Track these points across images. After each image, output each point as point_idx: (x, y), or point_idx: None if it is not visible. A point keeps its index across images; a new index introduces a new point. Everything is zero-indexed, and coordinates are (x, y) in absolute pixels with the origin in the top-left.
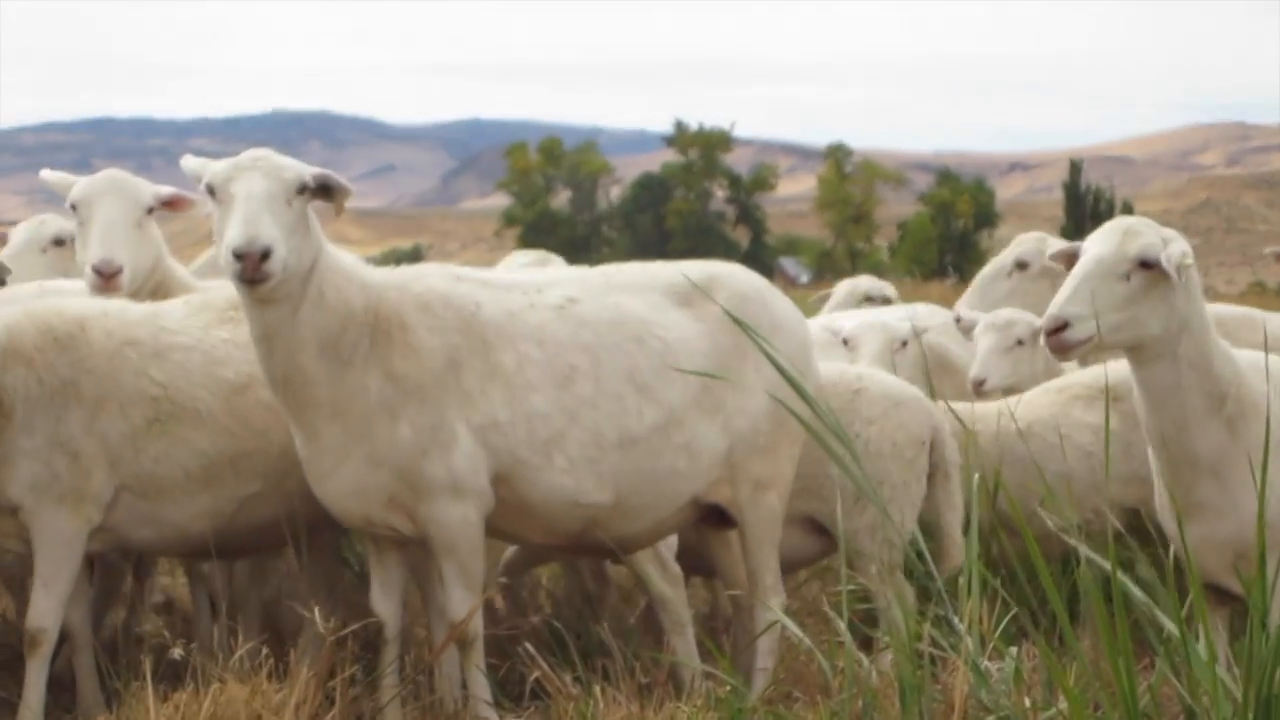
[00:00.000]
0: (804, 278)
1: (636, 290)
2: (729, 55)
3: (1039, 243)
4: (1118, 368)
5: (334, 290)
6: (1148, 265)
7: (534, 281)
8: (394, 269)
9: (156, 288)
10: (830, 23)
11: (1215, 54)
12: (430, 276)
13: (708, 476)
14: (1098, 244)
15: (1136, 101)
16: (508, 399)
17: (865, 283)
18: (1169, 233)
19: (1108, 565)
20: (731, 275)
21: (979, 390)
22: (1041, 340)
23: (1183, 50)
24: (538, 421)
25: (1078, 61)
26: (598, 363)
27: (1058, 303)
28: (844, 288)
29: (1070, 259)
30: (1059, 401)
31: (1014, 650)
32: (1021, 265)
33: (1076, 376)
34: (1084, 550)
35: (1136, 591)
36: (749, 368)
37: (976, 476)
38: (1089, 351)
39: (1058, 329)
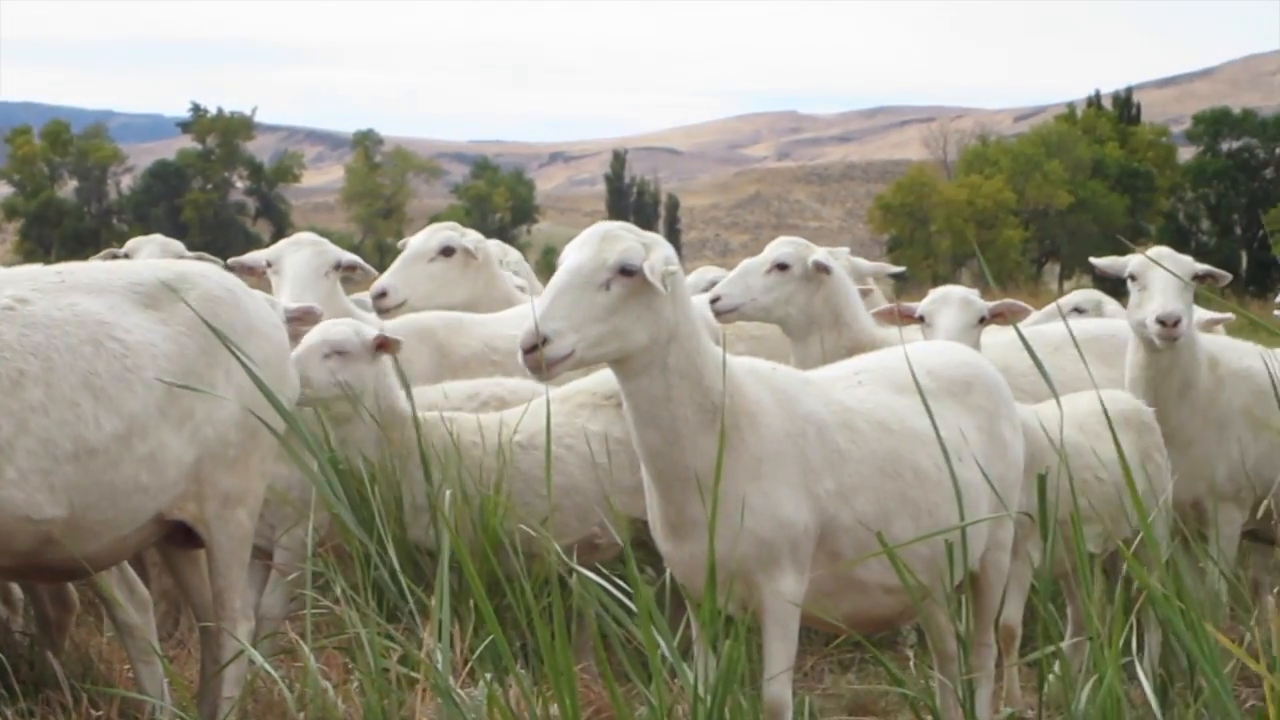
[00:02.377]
0: None
1: (95, 291)
2: (252, 35)
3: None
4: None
5: None
6: (628, 273)
7: None
8: None
9: None
10: (359, 6)
11: (767, 42)
12: None
13: (173, 491)
14: (575, 252)
15: (684, 91)
16: None
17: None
18: (651, 237)
19: (601, 584)
20: (203, 275)
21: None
22: (519, 359)
23: (733, 38)
24: None
25: (622, 48)
26: (49, 367)
27: (537, 317)
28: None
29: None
30: (563, 411)
31: (488, 676)
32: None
33: (583, 383)
34: (578, 570)
35: (613, 612)
36: (219, 374)
37: (450, 493)
38: (572, 368)
39: (534, 347)
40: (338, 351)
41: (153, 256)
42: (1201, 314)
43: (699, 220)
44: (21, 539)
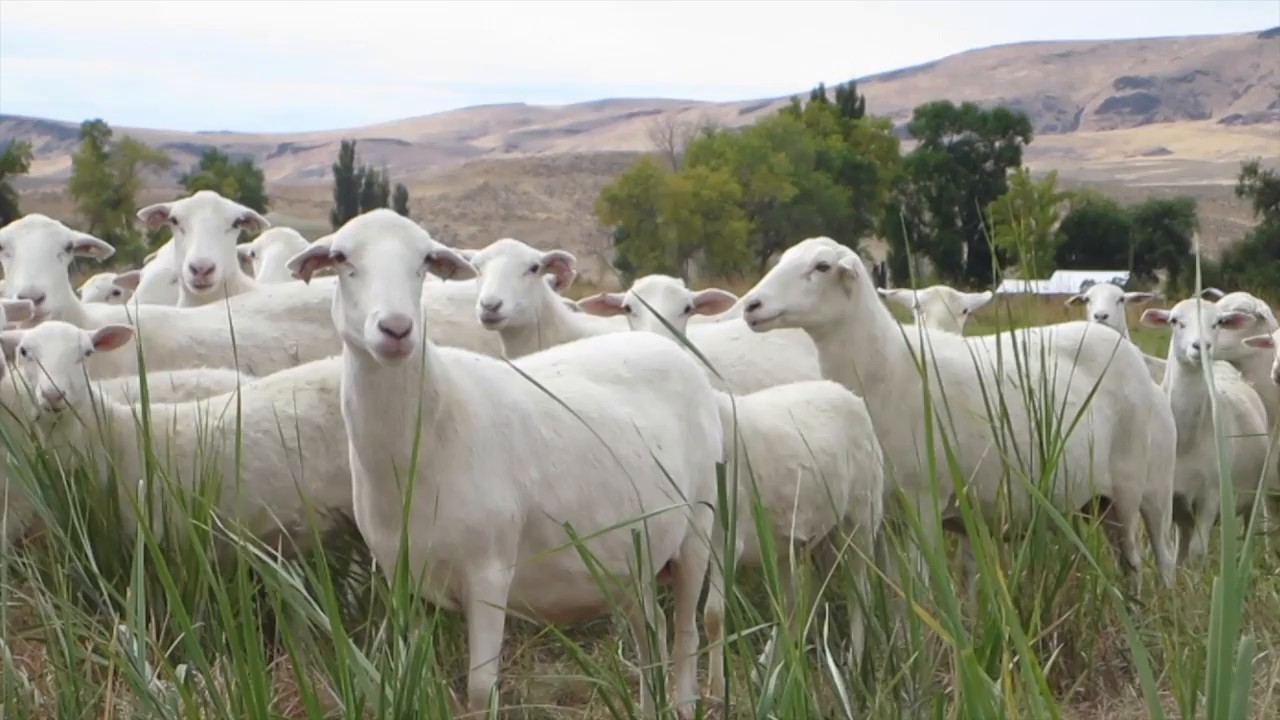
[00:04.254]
0: None
1: None
2: None
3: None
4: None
5: None
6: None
7: None
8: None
9: None
10: None
11: (494, 34)
12: None
13: None
14: None
15: (412, 82)
16: None
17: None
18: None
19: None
20: None
21: None
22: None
23: (460, 30)
24: None
25: (351, 39)
26: None
27: None
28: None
29: None
30: (263, 396)
31: (183, 667)
32: None
33: (287, 372)
34: (255, 553)
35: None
36: None
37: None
38: None
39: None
40: (86, 354)
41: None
42: (967, 299)
43: (428, 211)
44: None
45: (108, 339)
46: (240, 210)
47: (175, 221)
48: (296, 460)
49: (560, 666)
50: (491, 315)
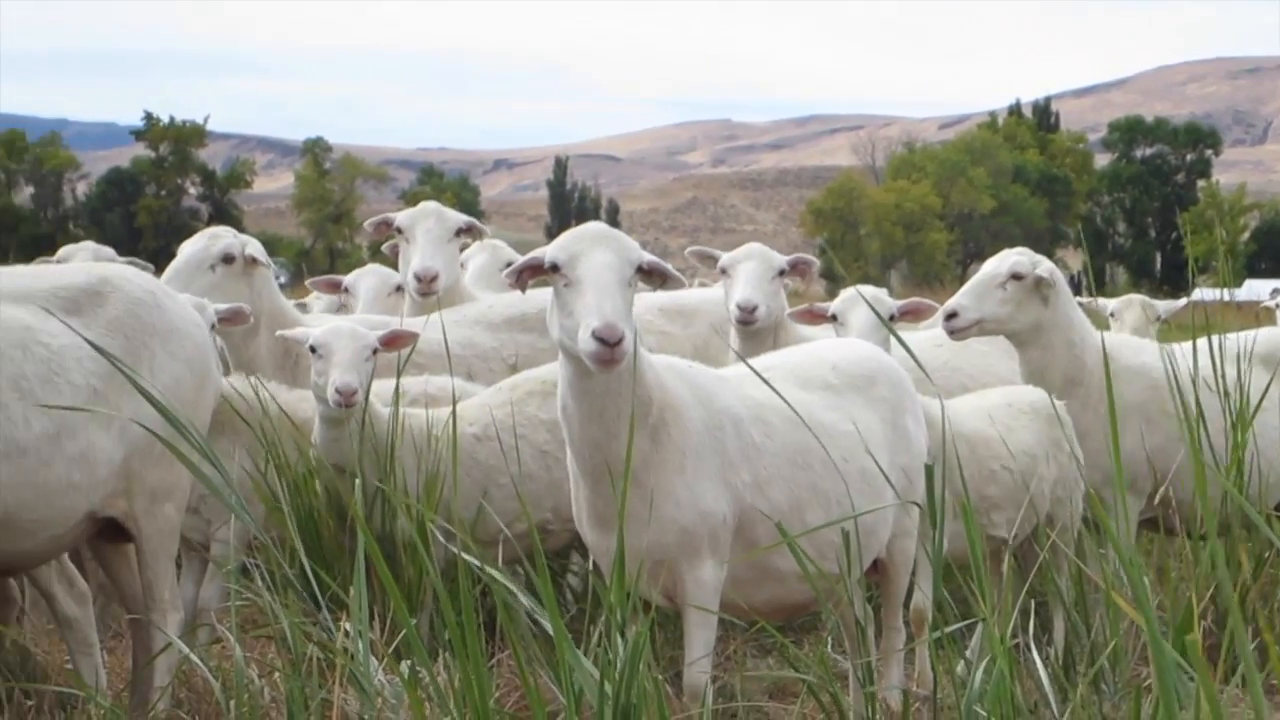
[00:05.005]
0: (282, 278)
1: (20, 298)
2: (203, 47)
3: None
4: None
5: None
6: None
7: None
8: None
9: None
10: (307, 16)
11: (702, 51)
12: None
13: (103, 488)
14: None
15: (621, 100)
16: None
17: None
18: None
19: (491, 572)
20: (124, 279)
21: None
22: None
23: (668, 47)
24: None
25: (560, 58)
26: None
27: None
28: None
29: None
30: (513, 400)
31: (407, 663)
32: (228, 259)
33: (531, 373)
34: (467, 559)
35: (517, 598)
36: (143, 373)
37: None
38: None
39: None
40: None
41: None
42: (1162, 307)
43: (639, 224)
44: None
45: (392, 340)
46: (462, 219)
47: (400, 231)
48: (549, 463)
49: (771, 662)
50: (747, 318)
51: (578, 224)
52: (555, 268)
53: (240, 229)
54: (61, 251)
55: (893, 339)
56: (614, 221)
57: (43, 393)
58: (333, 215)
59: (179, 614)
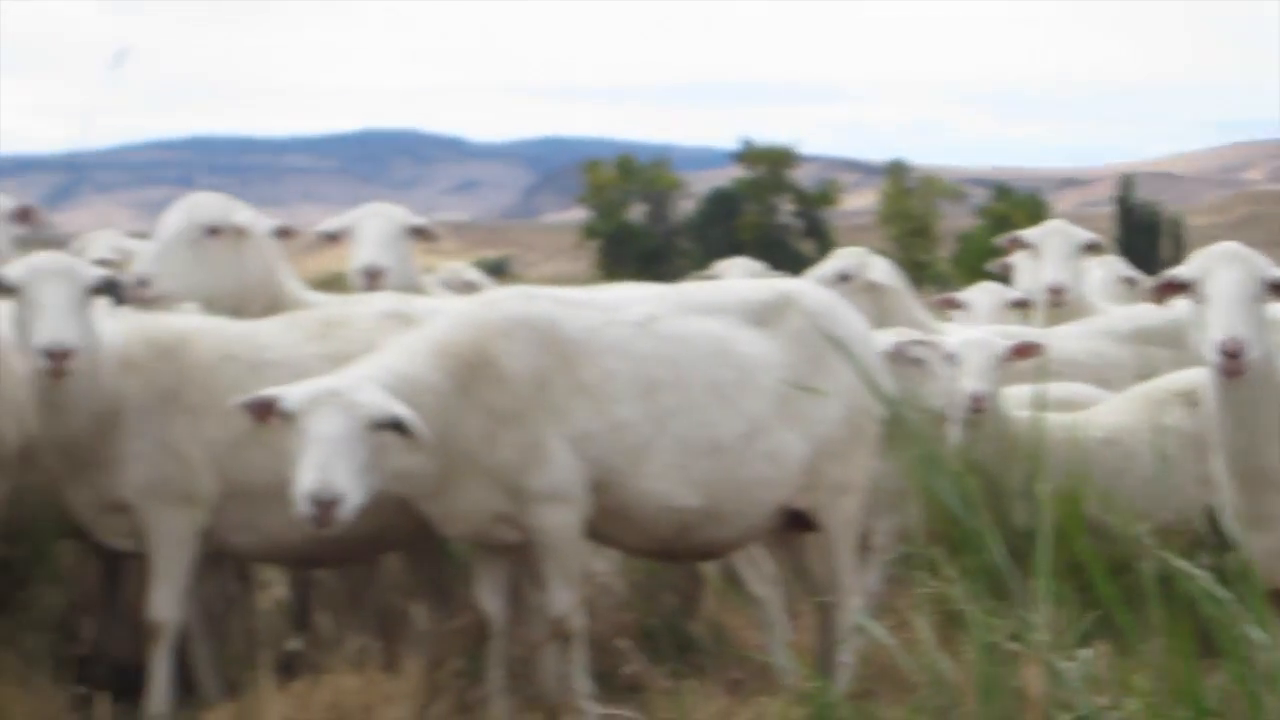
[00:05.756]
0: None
1: (711, 310)
2: (791, 76)
3: (860, 256)
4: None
5: None
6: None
7: (608, 300)
8: (463, 298)
9: (271, 303)
10: (887, 45)
11: (1254, 76)
12: (505, 301)
13: (792, 483)
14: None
15: (1179, 121)
16: (595, 411)
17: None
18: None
19: (1175, 565)
20: (802, 294)
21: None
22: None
23: (1222, 71)
24: (625, 430)
25: (1120, 83)
26: (680, 375)
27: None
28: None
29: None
30: (1143, 408)
31: (1086, 651)
32: (844, 278)
33: (1157, 382)
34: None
35: (1216, 591)
36: (826, 379)
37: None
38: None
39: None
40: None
41: (740, 277)
42: None
43: (1200, 239)
44: (663, 526)
45: (1022, 350)
46: (1087, 236)
47: (1025, 246)
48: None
49: None
50: None
51: (1145, 238)
52: (1189, 285)
53: (832, 243)
54: (718, 267)
55: None
56: (1177, 236)
57: (737, 396)
58: (914, 230)
59: (859, 598)
